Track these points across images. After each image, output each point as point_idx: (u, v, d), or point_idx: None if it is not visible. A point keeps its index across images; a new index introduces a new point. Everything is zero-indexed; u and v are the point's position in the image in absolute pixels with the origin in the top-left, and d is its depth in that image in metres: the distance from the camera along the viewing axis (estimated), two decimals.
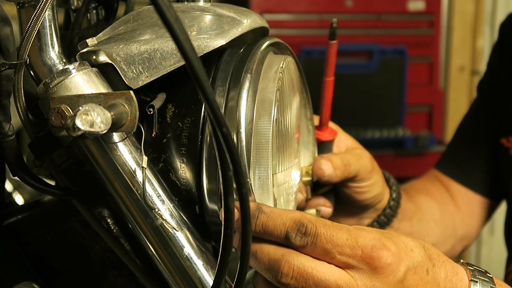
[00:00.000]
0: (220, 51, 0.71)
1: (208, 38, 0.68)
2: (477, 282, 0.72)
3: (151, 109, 0.67)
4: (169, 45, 0.67)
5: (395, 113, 2.77)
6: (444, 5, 2.84)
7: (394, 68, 2.73)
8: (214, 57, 0.71)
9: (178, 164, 0.69)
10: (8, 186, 1.17)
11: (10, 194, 1.17)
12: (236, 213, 0.62)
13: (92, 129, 0.56)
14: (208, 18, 0.72)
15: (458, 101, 3.03)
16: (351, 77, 2.70)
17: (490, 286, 0.72)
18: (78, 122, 0.55)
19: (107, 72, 0.68)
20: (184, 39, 0.51)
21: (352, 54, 2.72)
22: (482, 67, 3.04)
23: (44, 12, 0.63)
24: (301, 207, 0.88)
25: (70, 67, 0.65)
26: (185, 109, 0.69)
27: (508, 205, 1.23)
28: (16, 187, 1.17)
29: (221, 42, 0.68)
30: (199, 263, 0.69)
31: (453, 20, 2.91)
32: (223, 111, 0.69)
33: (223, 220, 0.61)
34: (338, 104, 2.76)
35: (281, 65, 0.73)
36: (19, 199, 1.18)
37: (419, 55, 2.81)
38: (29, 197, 1.15)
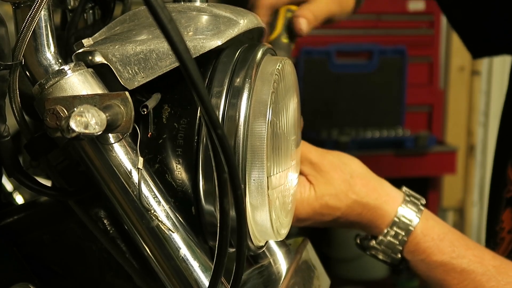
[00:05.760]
0: (217, 51, 0.71)
1: (204, 39, 0.68)
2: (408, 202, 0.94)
3: (145, 109, 0.67)
4: (165, 45, 0.67)
5: (395, 113, 2.77)
6: None
7: (394, 68, 2.73)
8: (211, 57, 0.71)
9: (174, 165, 0.69)
10: (9, 186, 1.17)
11: (10, 194, 1.17)
12: None
13: (86, 131, 0.55)
14: (204, 18, 0.72)
15: (458, 101, 3.02)
16: (351, 77, 2.70)
17: (419, 208, 0.94)
18: (72, 124, 0.55)
19: (103, 73, 0.67)
20: (178, 40, 0.51)
21: (352, 54, 2.72)
22: (482, 67, 3.04)
23: (40, 12, 0.63)
24: None
25: (66, 67, 0.65)
26: (181, 109, 0.69)
27: None
28: (17, 187, 1.17)
29: (217, 42, 0.68)
30: (195, 265, 0.68)
31: None
32: (220, 113, 0.68)
33: (218, 221, 0.61)
34: (338, 104, 2.76)
35: (277, 67, 0.72)
36: (19, 199, 1.18)
37: (419, 55, 2.81)
38: (30, 197, 1.15)
